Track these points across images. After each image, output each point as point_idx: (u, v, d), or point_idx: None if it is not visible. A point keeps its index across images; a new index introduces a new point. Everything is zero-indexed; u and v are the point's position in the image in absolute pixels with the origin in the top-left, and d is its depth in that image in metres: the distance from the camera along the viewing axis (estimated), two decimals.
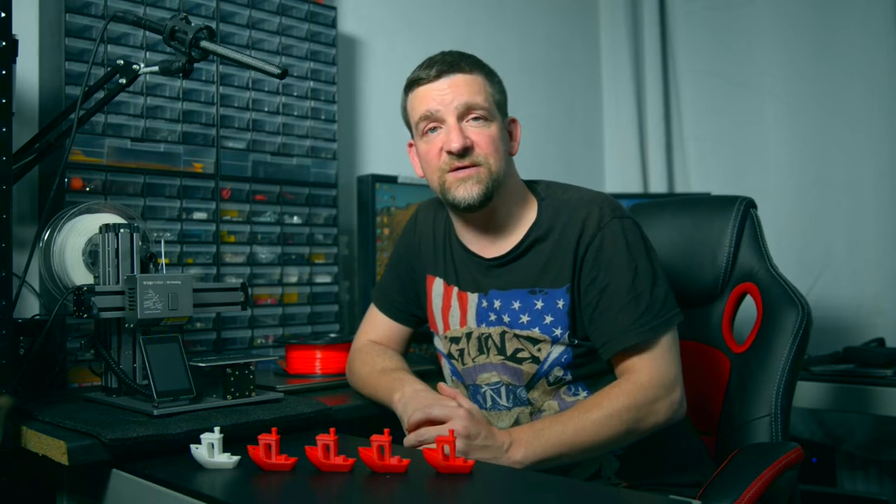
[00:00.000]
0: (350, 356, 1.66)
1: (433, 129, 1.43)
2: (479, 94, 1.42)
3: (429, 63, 1.44)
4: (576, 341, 1.41)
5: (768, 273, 1.60)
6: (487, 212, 1.44)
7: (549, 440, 1.29)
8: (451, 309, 1.54)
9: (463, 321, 1.52)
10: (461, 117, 1.41)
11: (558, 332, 1.41)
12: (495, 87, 1.46)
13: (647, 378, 1.35)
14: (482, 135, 1.41)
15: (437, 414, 1.30)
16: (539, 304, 1.42)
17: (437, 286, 1.58)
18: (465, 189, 1.40)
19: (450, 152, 1.40)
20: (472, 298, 1.51)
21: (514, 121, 1.52)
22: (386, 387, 1.48)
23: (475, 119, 1.41)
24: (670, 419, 1.36)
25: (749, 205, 1.68)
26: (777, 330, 1.53)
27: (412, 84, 1.46)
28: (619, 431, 1.32)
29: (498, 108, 1.45)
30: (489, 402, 1.49)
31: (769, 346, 1.53)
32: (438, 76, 1.42)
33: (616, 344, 1.36)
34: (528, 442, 1.29)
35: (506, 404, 1.47)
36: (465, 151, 1.39)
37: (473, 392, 1.52)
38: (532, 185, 1.52)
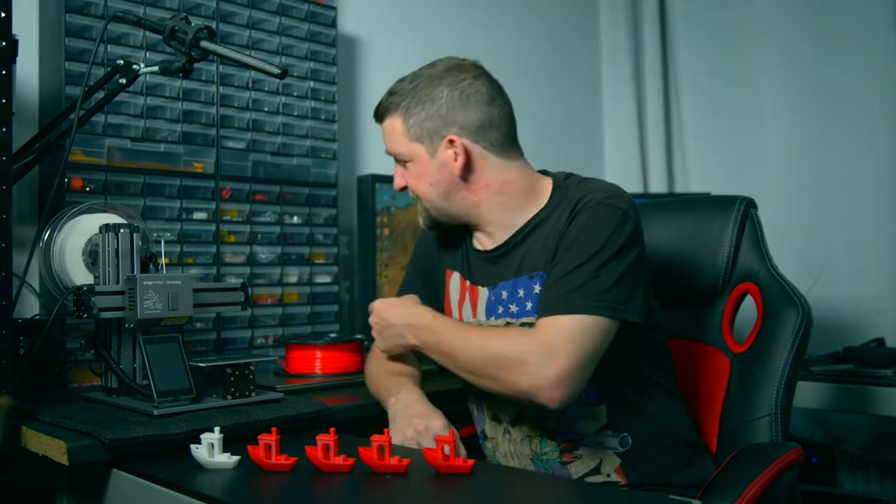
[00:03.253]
0: (369, 354, 1.67)
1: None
2: (393, 140, 1.50)
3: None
4: None
5: (768, 273, 1.60)
6: (465, 223, 1.53)
7: (441, 339, 1.42)
8: (465, 302, 1.56)
9: (474, 314, 1.54)
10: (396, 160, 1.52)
11: None
12: (415, 118, 1.45)
13: (536, 337, 1.30)
14: (407, 176, 1.51)
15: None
16: (537, 289, 1.43)
17: (454, 280, 1.60)
18: (419, 217, 1.56)
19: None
20: (483, 293, 1.52)
21: (450, 140, 1.44)
22: (385, 388, 1.50)
23: (400, 162, 1.52)
24: (530, 393, 1.28)
25: (749, 205, 1.68)
26: (777, 330, 1.53)
27: None
28: (483, 370, 1.35)
29: (418, 141, 1.46)
30: (495, 394, 1.49)
31: (769, 345, 1.52)
32: (379, 122, 1.54)
33: (541, 313, 1.34)
34: (423, 331, 1.45)
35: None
36: (405, 190, 1.53)
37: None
38: (555, 177, 1.51)
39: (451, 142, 1.45)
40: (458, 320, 1.57)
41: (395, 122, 1.48)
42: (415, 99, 1.46)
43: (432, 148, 1.45)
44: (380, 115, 1.52)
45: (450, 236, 1.61)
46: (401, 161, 1.50)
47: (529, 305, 1.44)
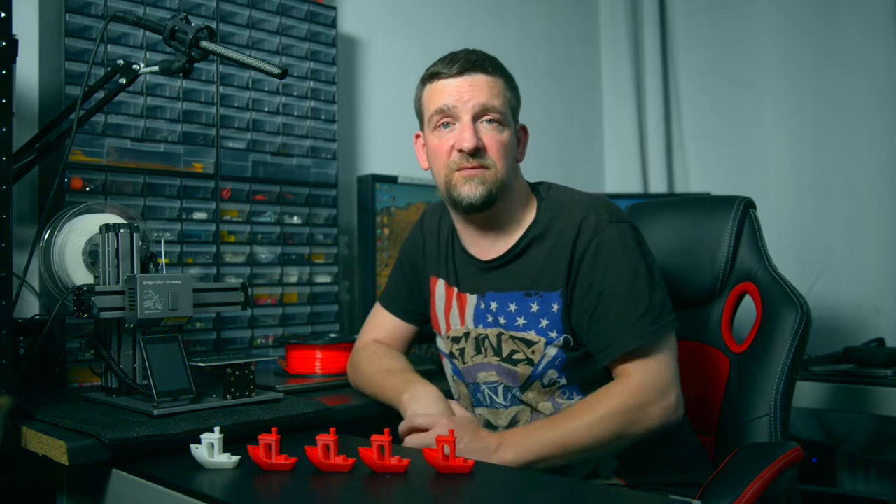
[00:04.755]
0: (353, 355, 1.66)
1: (446, 125, 1.42)
2: (497, 97, 1.41)
3: (452, 58, 1.43)
4: (572, 343, 1.41)
5: (767, 273, 1.60)
6: (489, 214, 1.44)
7: (539, 442, 1.30)
8: (452, 309, 1.55)
9: (462, 321, 1.53)
10: (476, 117, 1.40)
11: (553, 334, 1.41)
12: (513, 94, 1.46)
13: (638, 382, 1.34)
14: (494, 138, 1.41)
15: (420, 423, 1.35)
16: (534, 307, 1.42)
17: (439, 287, 1.58)
18: (470, 188, 1.40)
19: (461, 151, 1.39)
20: (471, 300, 1.51)
21: (523, 128, 1.51)
22: (394, 387, 1.49)
23: (489, 122, 1.41)
24: (665, 423, 1.35)
25: (748, 205, 1.68)
26: (776, 329, 1.53)
27: (431, 77, 1.45)
28: (609, 435, 1.32)
29: (512, 114, 1.46)
30: (488, 401, 1.50)
31: (768, 345, 1.53)
32: (460, 73, 1.41)
33: (615, 349, 1.36)
34: (517, 443, 1.30)
35: (503, 403, 1.48)
36: (476, 152, 1.39)
37: (474, 390, 1.52)
38: (535, 187, 1.52)
39: (524, 129, 1.51)
40: (448, 327, 1.56)
41: (501, 83, 1.43)
42: (512, 77, 1.48)
43: (514, 126, 1.47)
44: (482, 66, 1.42)
45: (434, 243, 1.60)
46: (493, 120, 1.41)
47: (521, 321, 1.43)
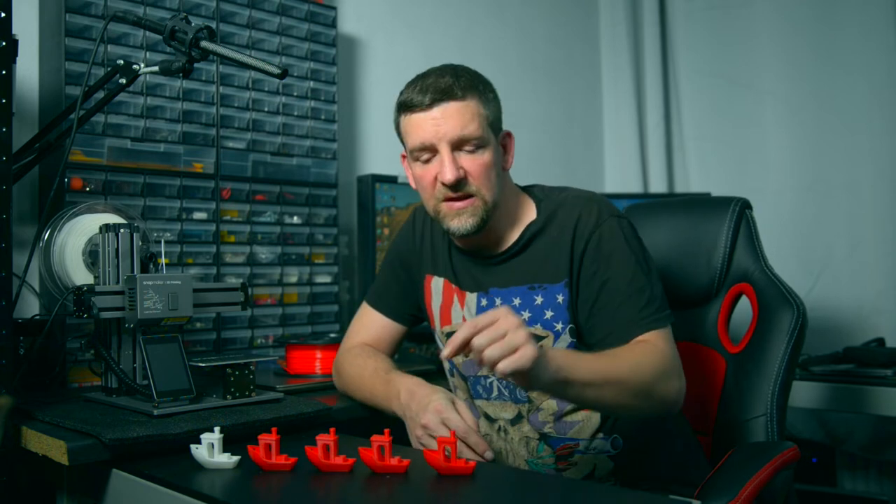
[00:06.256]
0: (338, 359, 1.64)
1: (428, 159, 1.41)
2: (471, 122, 1.38)
3: (422, 86, 1.39)
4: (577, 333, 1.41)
5: (763, 274, 1.61)
6: (482, 233, 1.44)
7: (603, 370, 1.25)
8: (453, 304, 1.55)
9: (463, 317, 1.53)
10: (455, 147, 1.39)
11: (559, 326, 1.41)
12: (489, 107, 1.42)
13: (665, 351, 1.33)
14: (475, 164, 1.39)
15: (474, 441, 1.29)
16: (539, 300, 1.43)
17: (436, 284, 1.58)
18: (460, 221, 1.40)
19: (444, 183, 1.39)
20: (472, 298, 1.51)
21: (508, 134, 1.49)
22: (383, 391, 1.46)
23: (468, 149, 1.39)
24: (674, 403, 1.33)
25: (744, 206, 1.68)
26: (772, 330, 1.53)
27: (406, 107, 1.41)
28: (644, 381, 1.27)
29: (492, 129, 1.42)
30: (494, 393, 1.49)
31: (764, 345, 1.53)
32: (431, 104, 1.38)
33: (619, 337, 1.35)
34: (563, 356, 1.23)
35: (506, 396, 1.48)
36: (459, 183, 1.38)
37: (474, 383, 1.52)
38: (528, 190, 1.52)
39: (509, 135, 1.48)
40: (448, 321, 1.56)
41: (473, 104, 1.38)
42: (485, 86, 1.44)
43: (496, 137, 1.44)
44: (452, 92, 1.37)
45: (430, 241, 1.60)
46: (471, 148, 1.38)
47: (526, 315, 1.43)
